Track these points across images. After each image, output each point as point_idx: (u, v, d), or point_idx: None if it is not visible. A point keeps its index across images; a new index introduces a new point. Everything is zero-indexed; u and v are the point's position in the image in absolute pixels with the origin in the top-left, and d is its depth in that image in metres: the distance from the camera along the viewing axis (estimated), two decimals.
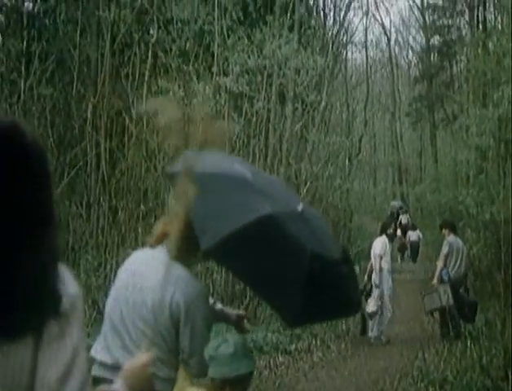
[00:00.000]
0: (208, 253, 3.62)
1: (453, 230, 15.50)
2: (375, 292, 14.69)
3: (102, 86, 13.78)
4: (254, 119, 16.63)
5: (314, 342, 13.85)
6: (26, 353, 1.90)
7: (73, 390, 1.97)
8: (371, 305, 14.50)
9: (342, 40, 35.75)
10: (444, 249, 14.82)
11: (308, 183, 18.94)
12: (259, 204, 3.74)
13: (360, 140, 41.97)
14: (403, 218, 36.11)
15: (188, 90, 14.12)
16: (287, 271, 3.71)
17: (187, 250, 3.61)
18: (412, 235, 31.75)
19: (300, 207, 3.92)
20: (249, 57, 14.72)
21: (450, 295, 14.18)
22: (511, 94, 16.42)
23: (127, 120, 13.72)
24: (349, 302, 4.38)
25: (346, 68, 43.38)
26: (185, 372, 3.79)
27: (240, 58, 14.63)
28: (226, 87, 14.22)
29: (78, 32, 14.42)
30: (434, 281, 14.78)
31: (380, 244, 14.87)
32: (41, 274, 1.93)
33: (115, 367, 3.46)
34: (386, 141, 59.86)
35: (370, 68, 55.13)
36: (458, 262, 14.76)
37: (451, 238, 15.05)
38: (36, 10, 16.27)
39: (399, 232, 33.03)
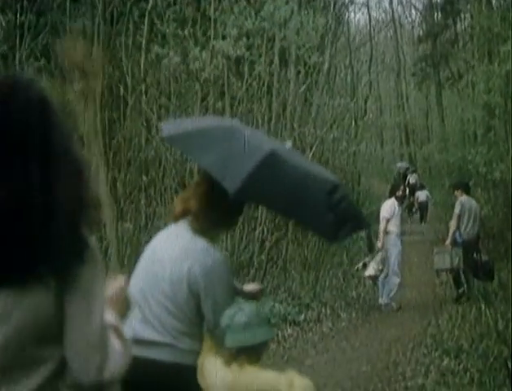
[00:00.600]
0: (236, 195, 3.61)
1: (466, 190, 15.17)
2: (377, 256, 14.31)
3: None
4: (256, 83, 16.18)
5: (323, 311, 13.50)
6: (49, 295, 2.08)
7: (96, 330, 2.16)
8: (370, 269, 14.16)
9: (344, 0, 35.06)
10: (457, 209, 14.59)
11: (314, 147, 18.54)
12: (258, 144, 3.97)
13: (366, 102, 41.65)
14: (412, 178, 35.71)
15: (185, 55, 13.70)
16: (308, 194, 3.94)
17: (209, 224, 3.85)
18: (421, 195, 31.40)
19: (288, 145, 4.25)
20: (246, 19, 14.21)
21: (461, 258, 14.03)
22: None
23: (122, 90, 13.29)
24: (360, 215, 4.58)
25: (348, 29, 42.76)
26: (210, 343, 3.80)
27: (238, 20, 14.11)
28: (223, 51, 13.74)
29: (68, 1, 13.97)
30: (447, 242, 14.55)
31: (387, 207, 14.55)
32: (71, 221, 2.11)
33: (135, 340, 3.45)
34: (391, 102, 59.20)
35: (373, 28, 54.64)
36: (471, 223, 14.52)
37: (463, 198, 14.79)
38: None
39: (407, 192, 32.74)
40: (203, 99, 14.44)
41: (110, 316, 2.39)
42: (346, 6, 35.95)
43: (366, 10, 52.78)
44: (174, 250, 3.80)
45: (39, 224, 2.04)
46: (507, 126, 17.63)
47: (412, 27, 56.81)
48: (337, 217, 3.94)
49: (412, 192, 33.10)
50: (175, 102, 14.47)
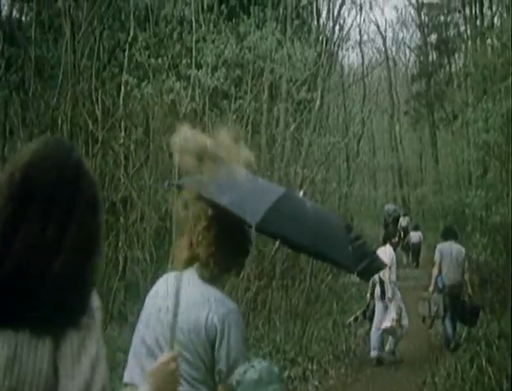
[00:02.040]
0: (258, 227, 3.68)
1: (448, 237, 14.78)
2: (390, 306, 13.44)
3: (61, 88, 12.42)
4: (239, 119, 15.24)
5: (310, 367, 12.39)
6: (44, 355, 2.13)
7: None
8: (386, 321, 13.31)
9: (336, 36, 34.37)
10: (436, 256, 14.48)
11: (303, 187, 17.61)
12: (273, 186, 4.44)
13: (358, 142, 40.91)
14: (403, 221, 35.17)
15: (158, 86, 12.69)
16: (329, 229, 4.11)
17: (219, 269, 3.80)
18: (414, 237, 30.46)
19: (301, 193, 5.08)
20: (225, 47, 13.20)
21: (441, 306, 14.09)
22: None
23: (90, 124, 12.24)
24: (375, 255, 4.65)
25: (341, 66, 42.08)
26: None
27: (217, 49, 13.11)
28: (199, 81, 12.74)
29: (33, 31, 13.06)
30: (431, 289, 14.38)
31: (387, 255, 13.58)
32: (80, 288, 2.22)
33: None
34: (385, 143, 58.71)
35: (366, 68, 54.07)
36: (453, 268, 14.20)
37: (441, 244, 14.62)
38: None
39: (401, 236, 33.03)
40: None
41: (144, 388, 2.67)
42: (338, 43, 35.24)
43: (359, 50, 51.77)
44: (188, 299, 3.68)
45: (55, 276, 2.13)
46: (506, 167, 16.67)
47: (406, 68, 56.59)
48: (356, 252, 3.99)
49: (404, 235, 32.33)
50: (151, 137, 13.42)
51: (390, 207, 39.96)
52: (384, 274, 13.34)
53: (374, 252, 4.78)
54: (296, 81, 16.51)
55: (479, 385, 10.41)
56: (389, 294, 13.51)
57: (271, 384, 3.45)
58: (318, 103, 19.89)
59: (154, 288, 4.04)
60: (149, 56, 12.96)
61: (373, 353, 13.45)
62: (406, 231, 33.04)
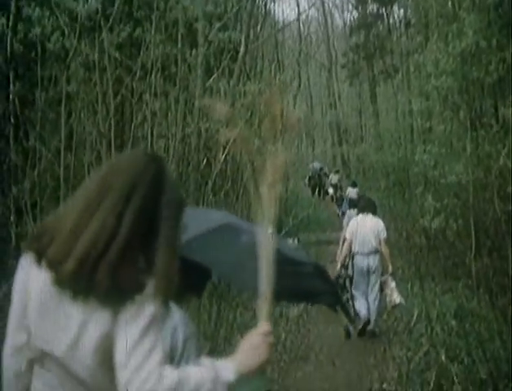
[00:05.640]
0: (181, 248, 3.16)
1: (365, 210, 12.92)
2: (389, 280, 12.17)
3: None
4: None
5: None
6: (105, 320, 2.37)
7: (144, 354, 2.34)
8: (397, 296, 12.06)
9: None
10: (348, 233, 12.88)
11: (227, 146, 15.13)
12: (214, 217, 4.76)
13: (295, 98, 38.83)
14: (334, 178, 36.27)
15: None
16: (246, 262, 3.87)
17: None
18: (351, 193, 28.43)
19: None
20: None
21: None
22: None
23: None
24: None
25: (275, 19, 39.70)
26: None
27: None
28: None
29: None
30: (338, 268, 12.96)
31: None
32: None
33: None
34: (322, 100, 56.84)
35: (302, 24, 51.88)
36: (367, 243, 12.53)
37: (353, 220, 13.06)
38: None
39: (330, 191, 35.72)
40: None
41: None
42: None
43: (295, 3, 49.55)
44: None
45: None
46: (460, 117, 14.32)
47: (344, 21, 54.22)
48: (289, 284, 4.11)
49: (335, 191, 34.68)
50: None
51: (315, 164, 39.86)
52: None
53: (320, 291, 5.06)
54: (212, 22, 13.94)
55: None
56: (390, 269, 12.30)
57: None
58: (242, 49, 17.25)
59: None
60: None
61: (371, 326, 12.21)
62: (336, 188, 34.85)
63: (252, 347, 2.65)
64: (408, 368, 9.63)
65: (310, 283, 5.06)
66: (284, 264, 3.60)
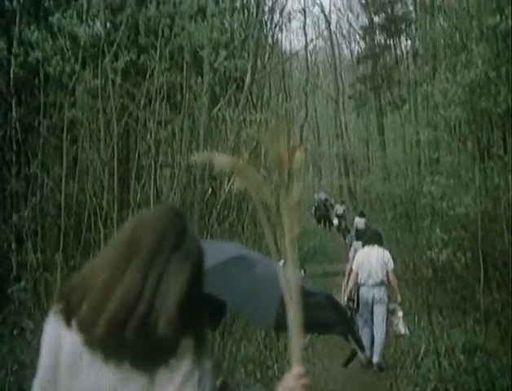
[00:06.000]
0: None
1: (371, 242, 12.93)
2: (397, 309, 12.23)
3: None
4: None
5: None
6: (140, 382, 2.38)
7: None
8: (401, 327, 12.16)
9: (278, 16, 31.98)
10: (354, 266, 12.87)
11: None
12: (227, 248, 5.02)
13: (302, 128, 38.76)
14: (339, 209, 36.19)
15: None
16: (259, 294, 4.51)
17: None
18: (359, 223, 28.15)
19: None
20: None
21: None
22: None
23: None
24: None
25: (282, 49, 39.59)
26: None
27: None
28: None
29: None
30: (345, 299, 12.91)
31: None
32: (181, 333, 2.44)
33: None
34: (329, 130, 56.75)
35: (309, 54, 51.86)
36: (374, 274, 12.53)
37: (360, 252, 13.03)
38: None
39: (335, 221, 35.72)
40: None
41: None
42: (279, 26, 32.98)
43: (303, 33, 49.55)
44: None
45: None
46: (469, 148, 14.15)
47: (352, 54, 54.16)
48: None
49: (339, 222, 34.71)
50: None
51: (321, 195, 39.84)
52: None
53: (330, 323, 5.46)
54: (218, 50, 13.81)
55: None
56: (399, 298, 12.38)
57: None
58: (248, 78, 17.11)
59: None
60: None
61: (377, 359, 12.08)
62: (341, 218, 34.84)
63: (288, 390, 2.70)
64: None
65: (322, 314, 5.24)
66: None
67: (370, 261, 12.31)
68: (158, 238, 2.53)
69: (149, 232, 2.54)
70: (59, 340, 2.47)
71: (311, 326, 4.78)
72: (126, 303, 2.39)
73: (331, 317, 5.69)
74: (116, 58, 11.82)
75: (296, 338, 2.82)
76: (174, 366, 2.38)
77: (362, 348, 11.30)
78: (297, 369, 2.76)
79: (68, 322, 2.44)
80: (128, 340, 2.34)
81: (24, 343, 8.60)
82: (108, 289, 2.41)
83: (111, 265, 2.47)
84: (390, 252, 13.08)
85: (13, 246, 11.81)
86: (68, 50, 10.44)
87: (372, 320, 12.27)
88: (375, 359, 11.98)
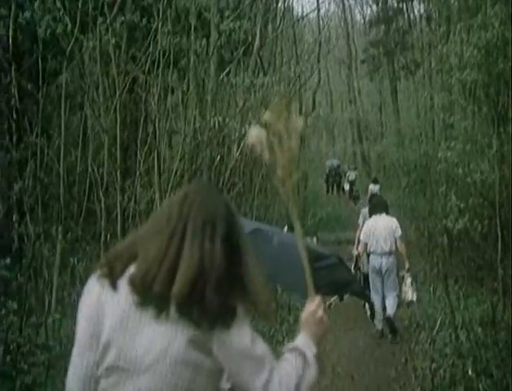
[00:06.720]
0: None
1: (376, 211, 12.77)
2: (406, 276, 12.03)
3: None
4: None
5: None
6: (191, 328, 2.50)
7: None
8: (409, 294, 11.98)
9: None
10: (362, 237, 12.71)
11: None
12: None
13: (314, 94, 38.31)
14: (351, 175, 36.63)
15: None
16: (283, 263, 4.74)
17: None
18: (374, 189, 27.80)
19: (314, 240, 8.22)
20: None
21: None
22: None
23: None
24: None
25: (293, 14, 39.07)
26: None
27: None
28: None
29: None
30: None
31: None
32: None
33: None
34: (342, 96, 56.22)
35: (322, 19, 51.18)
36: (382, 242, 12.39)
37: (366, 224, 12.83)
38: None
39: (346, 187, 36.28)
40: None
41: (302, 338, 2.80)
42: None
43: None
44: None
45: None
46: (486, 112, 13.64)
47: (364, 18, 53.52)
48: (323, 279, 4.49)
49: (351, 188, 35.34)
50: None
51: (333, 161, 39.43)
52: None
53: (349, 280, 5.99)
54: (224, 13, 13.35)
55: None
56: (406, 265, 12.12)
57: None
58: (257, 42, 16.62)
59: None
60: None
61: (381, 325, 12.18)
62: (353, 184, 35.55)
63: (315, 318, 2.88)
64: (432, 384, 8.92)
65: (336, 274, 5.64)
66: (313, 259, 3.70)
67: (378, 231, 12.15)
68: (205, 211, 2.68)
69: (201, 204, 2.70)
70: (103, 304, 2.59)
71: (326, 285, 5.06)
72: (201, 268, 2.54)
73: (344, 276, 5.98)
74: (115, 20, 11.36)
75: (308, 273, 3.02)
76: (238, 326, 2.55)
77: (371, 305, 11.33)
78: (316, 298, 2.95)
79: (114, 286, 2.59)
80: (208, 304, 2.49)
81: None
82: (166, 255, 2.57)
83: (165, 234, 2.62)
84: (404, 219, 12.71)
85: (14, 217, 11.62)
86: (59, 11, 9.94)
87: (383, 289, 12.09)
88: (387, 316, 11.89)
